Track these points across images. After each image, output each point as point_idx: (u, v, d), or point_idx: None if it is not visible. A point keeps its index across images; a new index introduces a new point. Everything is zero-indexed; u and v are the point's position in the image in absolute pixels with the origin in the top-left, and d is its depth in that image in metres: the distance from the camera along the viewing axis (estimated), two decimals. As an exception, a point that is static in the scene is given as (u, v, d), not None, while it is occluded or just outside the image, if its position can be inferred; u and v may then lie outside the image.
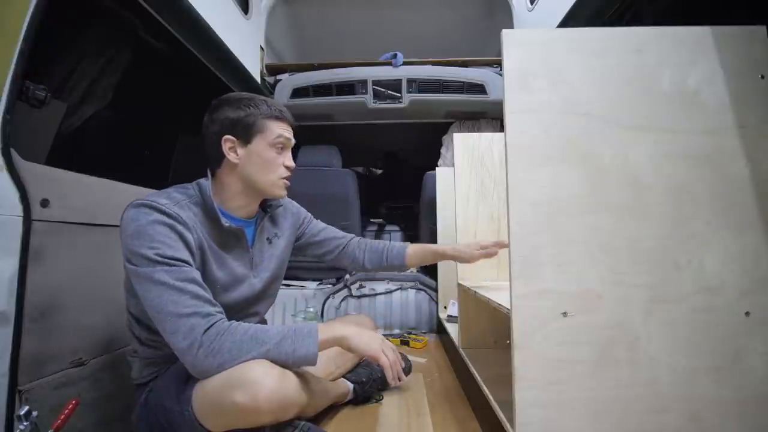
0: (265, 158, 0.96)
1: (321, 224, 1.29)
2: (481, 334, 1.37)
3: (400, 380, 0.93)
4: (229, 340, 0.78)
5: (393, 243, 1.31)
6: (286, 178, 1.00)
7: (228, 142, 0.94)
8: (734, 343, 0.68)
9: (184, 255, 0.83)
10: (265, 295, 1.08)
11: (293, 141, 1.01)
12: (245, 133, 0.94)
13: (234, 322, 0.81)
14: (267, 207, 1.09)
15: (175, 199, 0.88)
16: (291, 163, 1.00)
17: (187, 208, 0.88)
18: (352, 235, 1.31)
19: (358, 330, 0.91)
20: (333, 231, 1.29)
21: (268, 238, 1.08)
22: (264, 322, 1.14)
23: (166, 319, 0.78)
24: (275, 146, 0.96)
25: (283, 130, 0.97)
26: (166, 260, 0.80)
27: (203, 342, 0.76)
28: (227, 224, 0.93)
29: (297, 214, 1.22)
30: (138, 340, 0.93)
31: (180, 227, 0.84)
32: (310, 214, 1.27)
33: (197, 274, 0.83)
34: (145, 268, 0.79)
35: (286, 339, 0.82)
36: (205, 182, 0.94)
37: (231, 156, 0.94)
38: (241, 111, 0.94)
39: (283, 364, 0.82)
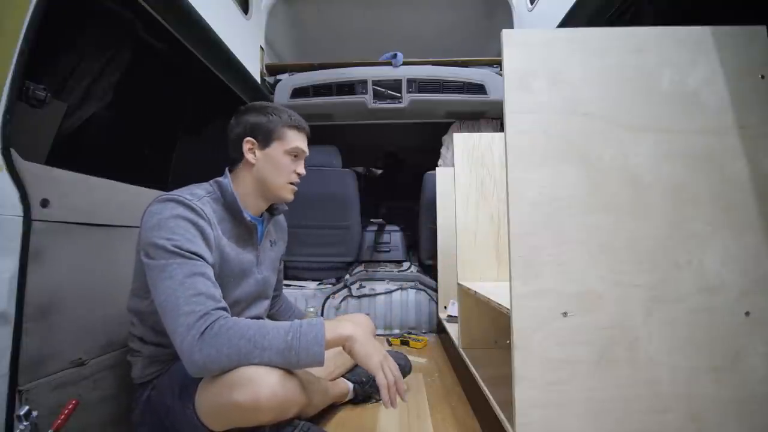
0: (280, 163, 1.02)
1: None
2: (481, 334, 1.37)
3: (395, 403, 0.85)
4: (227, 344, 0.76)
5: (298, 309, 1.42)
6: (294, 183, 1.06)
7: (248, 143, 1.01)
8: (734, 343, 0.68)
9: (201, 250, 0.84)
10: (263, 294, 1.10)
11: (307, 152, 1.08)
12: (265, 137, 1.01)
13: (234, 320, 0.79)
14: (274, 210, 1.13)
15: (198, 195, 0.92)
16: (302, 171, 1.06)
17: (208, 205, 0.92)
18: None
19: (365, 336, 0.88)
20: (281, 276, 1.36)
21: (270, 241, 1.14)
22: None
23: (168, 317, 0.78)
24: (290, 154, 1.03)
25: (299, 142, 1.04)
26: (182, 252, 0.81)
27: (201, 345, 0.75)
28: (249, 218, 1.00)
29: (286, 233, 1.27)
30: (141, 340, 0.93)
31: (202, 223, 0.87)
32: None
33: (209, 269, 0.84)
34: (159, 260, 0.80)
35: (289, 348, 0.78)
36: (225, 180, 0.99)
37: (249, 156, 1.01)
38: (263, 117, 1.02)
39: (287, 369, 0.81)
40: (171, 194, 0.88)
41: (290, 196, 1.07)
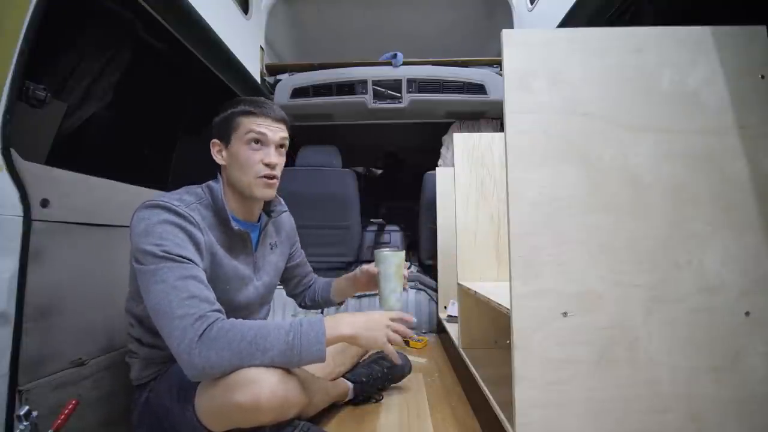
0: (240, 157, 0.92)
1: (301, 251, 1.29)
2: (481, 334, 1.37)
3: (408, 343, 0.87)
4: (227, 348, 0.75)
5: (324, 280, 1.33)
6: (266, 176, 0.93)
7: (215, 145, 0.96)
8: (734, 343, 0.68)
9: (191, 254, 0.82)
10: (265, 300, 1.08)
11: (272, 136, 0.93)
12: (225, 133, 0.94)
13: (231, 322, 0.78)
14: (271, 212, 1.08)
15: (186, 202, 0.88)
16: (271, 160, 0.92)
17: (197, 211, 0.89)
18: (313, 272, 1.33)
19: (363, 323, 0.89)
20: (307, 263, 1.31)
21: (270, 244, 1.09)
22: None
23: (162, 321, 0.77)
24: (248, 142, 0.92)
25: (256, 125, 0.91)
26: (172, 257, 0.79)
27: (200, 348, 0.74)
28: (237, 227, 0.94)
29: (293, 230, 1.23)
30: (138, 342, 0.93)
31: (190, 227, 0.84)
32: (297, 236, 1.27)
33: (200, 273, 0.82)
34: (149, 265, 0.79)
35: (291, 348, 0.78)
36: (216, 185, 0.94)
37: (218, 159, 0.96)
38: (223, 112, 0.95)
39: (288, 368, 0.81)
40: (158, 200, 0.85)
41: (264, 192, 0.95)
